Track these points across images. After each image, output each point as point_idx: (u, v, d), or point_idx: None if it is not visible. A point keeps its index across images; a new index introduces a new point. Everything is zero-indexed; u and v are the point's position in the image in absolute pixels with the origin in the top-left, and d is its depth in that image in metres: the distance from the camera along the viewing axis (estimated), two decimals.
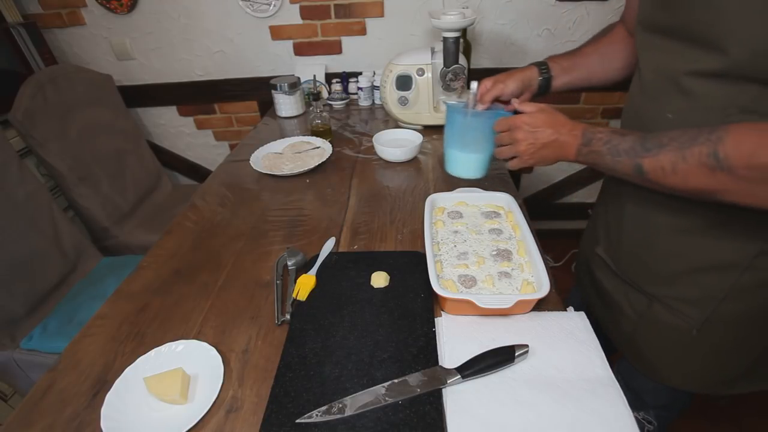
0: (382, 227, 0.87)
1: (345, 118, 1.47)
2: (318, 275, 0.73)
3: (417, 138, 1.16)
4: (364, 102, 1.57)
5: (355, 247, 0.82)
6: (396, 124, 1.34)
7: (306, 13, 1.58)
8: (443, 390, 0.54)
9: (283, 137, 1.26)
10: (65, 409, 0.56)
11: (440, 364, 0.57)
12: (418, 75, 1.22)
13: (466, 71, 1.13)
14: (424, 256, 0.67)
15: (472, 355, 0.56)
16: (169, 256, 0.83)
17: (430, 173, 1.06)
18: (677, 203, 0.59)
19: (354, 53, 1.67)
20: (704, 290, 0.63)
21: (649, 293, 0.70)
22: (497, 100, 0.81)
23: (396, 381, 0.55)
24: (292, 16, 1.59)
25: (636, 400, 0.78)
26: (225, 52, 1.69)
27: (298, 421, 0.51)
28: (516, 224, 0.76)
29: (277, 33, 1.63)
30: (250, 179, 1.10)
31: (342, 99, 1.57)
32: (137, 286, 0.76)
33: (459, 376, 0.54)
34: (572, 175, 1.93)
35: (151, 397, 0.55)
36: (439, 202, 0.83)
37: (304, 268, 0.76)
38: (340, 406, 0.52)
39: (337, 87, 1.60)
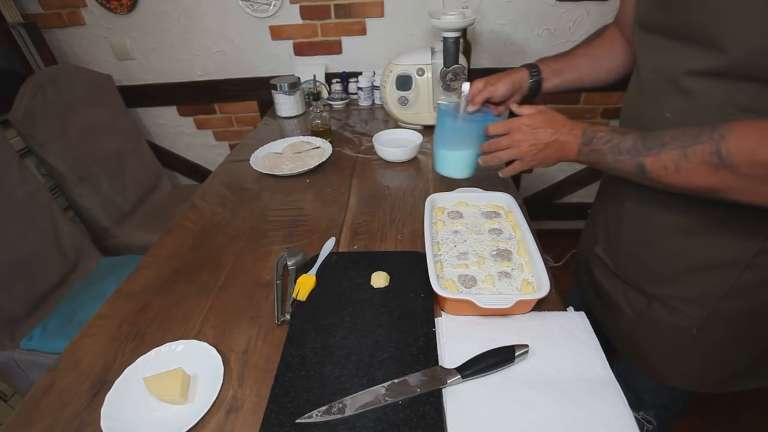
0: (382, 227, 0.87)
1: (345, 118, 1.47)
2: (318, 275, 0.73)
3: (417, 138, 1.16)
4: (364, 102, 1.57)
5: (355, 247, 0.82)
6: (396, 124, 1.34)
7: (306, 13, 1.58)
8: (443, 390, 0.54)
9: (283, 137, 1.26)
10: (65, 409, 0.56)
11: (440, 364, 0.57)
12: (418, 75, 1.22)
13: (466, 71, 1.13)
14: (424, 256, 0.67)
15: (472, 355, 0.56)
16: (169, 256, 0.83)
17: (430, 173, 1.06)
18: (677, 202, 0.59)
19: (354, 53, 1.67)
20: (704, 289, 0.63)
21: (648, 293, 0.70)
22: (488, 101, 0.81)
23: (396, 381, 0.55)
24: (292, 16, 1.59)
25: (635, 399, 0.78)
26: (225, 52, 1.69)
27: (298, 421, 0.51)
28: (516, 224, 0.76)
29: (277, 33, 1.63)
30: (250, 179, 1.10)
31: (342, 99, 1.57)
32: (137, 286, 0.76)
33: (459, 376, 0.54)
34: (572, 175, 1.93)
35: (151, 397, 0.55)
36: (439, 202, 0.83)
37: (304, 268, 0.76)
38: (340, 406, 0.52)
39: (337, 87, 1.60)
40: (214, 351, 0.60)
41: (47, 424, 0.54)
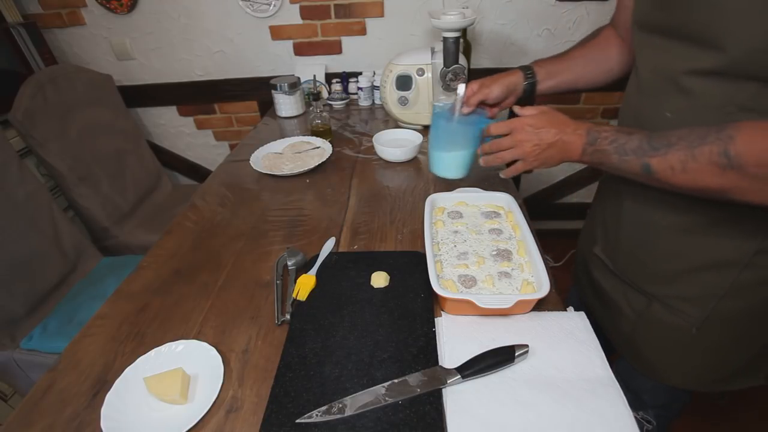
0: (382, 227, 0.87)
1: (345, 118, 1.47)
2: (318, 275, 0.73)
3: (417, 138, 1.16)
4: (364, 102, 1.57)
5: (355, 247, 0.82)
6: (396, 124, 1.34)
7: (306, 13, 1.58)
8: (443, 390, 0.54)
9: (283, 137, 1.26)
10: (65, 409, 0.56)
11: (440, 364, 0.57)
12: (418, 75, 1.22)
13: (466, 71, 1.13)
14: (424, 256, 0.67)
15: (472, 355, 0.56)
16: (169, 256, 0.83)
17: (430, 173, 1.06)
18: (676, 201, 0.59)
19: (354, 53, 1.67)
20: (704, 288, 0.63)
21: (648, 292, 0.70)
22: (482, 103, 0.82)
23: (396, 381, 0.55)
24: (292, 16, 1.59)
25: (635, 399, 0.78)
26: (225, 52, 1.69)
27: (298, 421, 0.51)
28: (516, 224, 0.76)
29: (277, 33, 1.63)
30: (250, 179, 1.10)
31: (342, 99, 1.57)
32: (137, 286, 0.76)
33: (459, 376, 0.54)
34: (572, 175, 1.93)
35: (151, 397, 0.55)
36: (439, 202, 0.83)
37: (304, 268, 0.76)
38: (340, 406, 0.52)
39: (337, 87, 1.60)
40: (214, 351, 0.60)
41: (47, 424, 0.54)
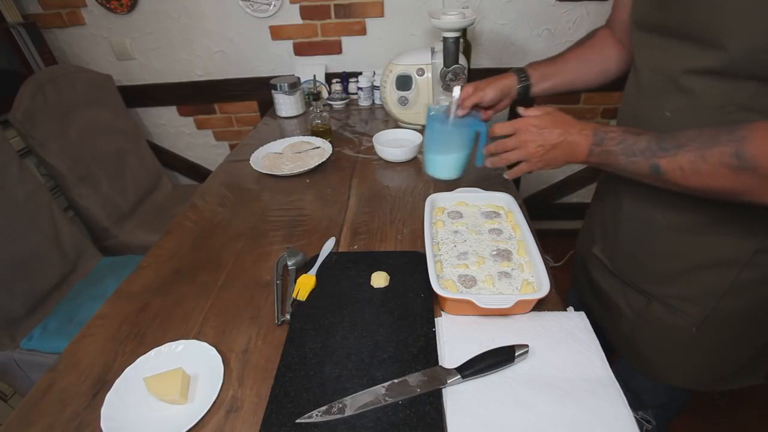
0: (382, 227, 0.87)
1: (345, 118, 1.47)
2: (318, 275, 0.73)
3: (417, 138, 1.16)
4: (364, 102, 1.57)
5: (355, 247, 0.82)
6: (396, 124, 1.34)
7: (306, 13, 1.58)
8: (443, 390, 0.54)
9: (283, 137, 1.26)
10: (65, 409, 0.56)
11: (440, 364, 0.57)
12: (418, 75, 1.22)
13: (466, 71, 1.13)
14: (424, 256, 0.67)
15: (472, 355, 0.56)
16: (169, 256, 0.83)
17: None
18: (677, 201, 0.59)
19: (354, 53, 1.67)
20: (704, 288, 0.63)
21: (647, 292, 0.70)
22: (477, 106, 0.82)
23: (396, 381, 0.55)
24: (292, 16, 1.59)
25: (634, 399, 0.78)
26: (225, 52, 1.69)
27: (298, 421, 0.51)
28: (516, 224, 0.76)
29: (277, 33, 1.63)
30: (250, 179, 1.10)
31: (342, 99, 1.57)
32: (137, 286, 0.76)
33: (459, 376, 0.54)
34: (572, 175, 1.93)
35: (151, 397, 0.55)
36: (439, 202, 0.83)
37: (304, 268, 0.76)
38: (340, 406, 0.52)
39: (337, 87, 1.60)
40: (214, 351, 0.60)
41: (47, 424, 0.54)
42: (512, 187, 0.95)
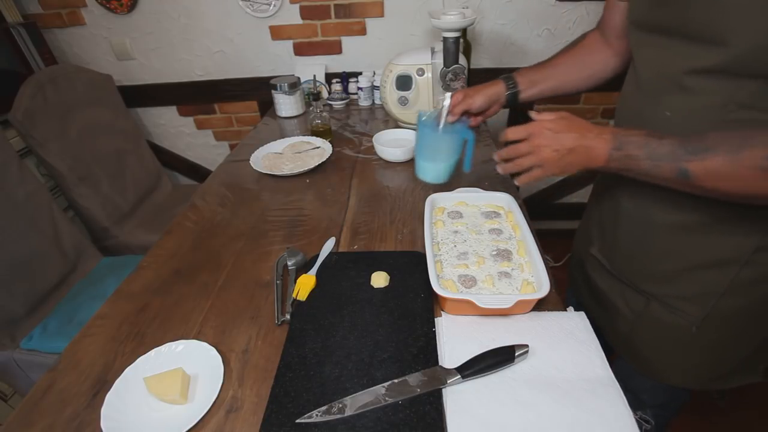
0: (382, 227, 0.87)
1: (345, 118, 1.47)
2: (318, 275, 0.73)
3: None
4: (364, 102, 1.57)
5: (355, 247, 0.82)
6: (396, 124, 1.34)
7: (306, 13, 1.58)
8: (443, 390, 0.54)
9: (283, 137, 1.26)
10: (65, 409, 0.56)
11: (440, 364, 0.57)
12: (418, 75, 1.22)
13: (466, 71, 1.13)
14: (424, 256, 0.67)
15: (472, 355, 0.56)
16: (169, 256, 0.83)
17: None
18: (679, 200, 0.59)
19: (354, 53, 1.67)
20: (704, 287, 0.63)
21: (646, 292, 0.70)
22: (466, 113, 0.84)
23: (396, 381, 0.55)
24: (292, 16, 1.59)
25: (633, 399, 0.78)
26: (225, 52, 1.69)
27: (298, 421, 0.51)
28: (516, 224, 0.76)
29: (277, 33, 1.63)
30: (250, 179, 1.10)
31: (342, 99, 1.57)
32: (137, 286, 0.76)
33: (459, 376, 0.54)
34: (572, 175, 1.93)
35: (151, 397, 0.55)
36: (439, 202, 0.83)
37: (304, 268, 0.76)
38: (340, 406, 0.52)
39: (337, 87, 1.60)
40: (214, 351, 0.60)
41: (47, 424, 0.54)
42: (512, 187, 0.96)
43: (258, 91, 1.75)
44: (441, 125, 0.83)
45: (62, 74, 1.47)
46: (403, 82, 1.23)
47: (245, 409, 0.54)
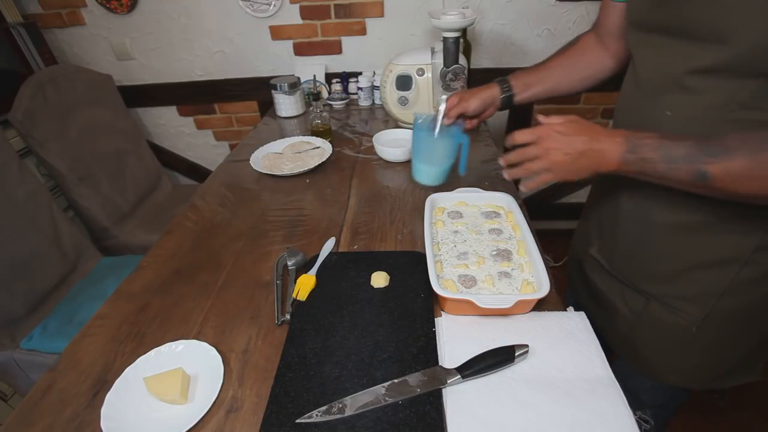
0: (382, 227, 0.87)
1: (345, 118, 1.47)
2: (318, 275, 0.73)
3: None
4: (364, 102, 1.57)
5: (355, 247, 0.82)
6: (396, 124, 1.34)
7: (306, 13, 1.58)
8: (443, 390, 0.54)
9: (283, 137, 1.26)
10: (65, 409, 0.56)
11: (440, 364, 0.57)
12: (418, 75, 1.22)
13: (466, 71, 1.13)
14: (424, 256, 0.67)
15: (472, 355, 0.56)
16: (169, 256, 0.83)
17: None
18: (680, 199, 0.59)
19: (354, 53, 1.67)
20: (704, 286, 0.63)
21: (646, 292, 0.70)
22: (461, 116, 0.85)
23: (396, 381, 0.55)
24: (292, 16, 1.59)
25: (633, 399, 0.78)
26: (225, 52, 1.69)
27: (298, 421, 0.51)
28: (516, 224, 0.76)
29: (277, 33, 1.63)
30: (250, 179, 1.10)
31: (342, 99, 1.57)
32: (137, 286, 0.76)
33: (459, 376, 0.54)
34: None
35: (151, 397, 0.55)
36: (439, 202, 0.83)
37: (304, 268, 0.76)
38: (340, 406, 0.52)
39: (337, 87, 1.60)
40: (214, 351, 0.60)
41: (47, 424, 0.54)
42: (512, 187, 0.96)
43: (258, 91, 1.75)
44: (437, 129, 0.85)
45: (62, 74, 1.47)
46: (403, 82, 1.23)
47: (245, 409, 0.54)
